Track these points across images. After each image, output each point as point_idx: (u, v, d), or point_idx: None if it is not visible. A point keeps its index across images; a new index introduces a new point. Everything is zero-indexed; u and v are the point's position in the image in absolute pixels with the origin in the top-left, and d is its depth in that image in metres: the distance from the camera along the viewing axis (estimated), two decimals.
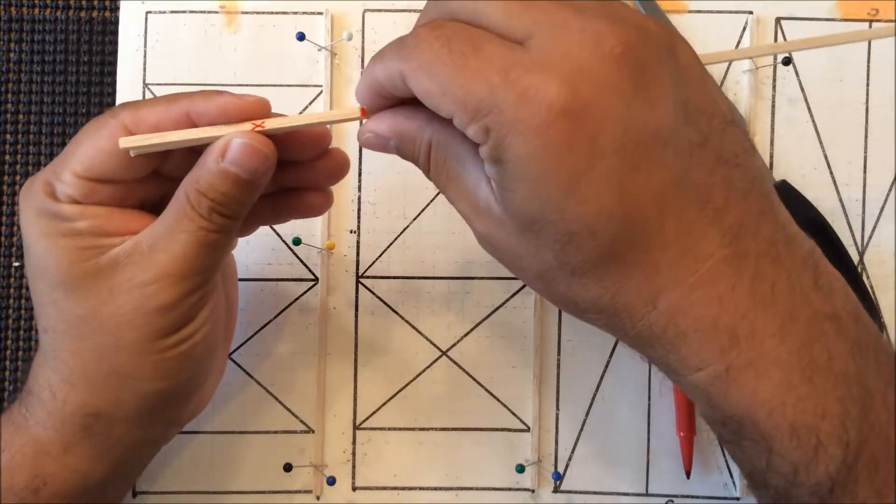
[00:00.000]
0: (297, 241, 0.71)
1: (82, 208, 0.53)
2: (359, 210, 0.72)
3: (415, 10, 0.73)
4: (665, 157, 0.44)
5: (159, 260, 0.53)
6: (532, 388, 0.71)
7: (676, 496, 0.70)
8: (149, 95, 0.72)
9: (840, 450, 0.44)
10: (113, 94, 0.73)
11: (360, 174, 0.72)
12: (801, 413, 0.44)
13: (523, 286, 0.71)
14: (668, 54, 0.46)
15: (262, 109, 0.53)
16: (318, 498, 0.71)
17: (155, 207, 0.56)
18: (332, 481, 0.71)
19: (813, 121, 0.73)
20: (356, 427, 0.71)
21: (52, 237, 0.53)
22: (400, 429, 0.71)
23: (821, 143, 0.72)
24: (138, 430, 0.57)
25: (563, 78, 0.43)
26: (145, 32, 0.73)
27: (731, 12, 0.73)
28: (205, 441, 0.71)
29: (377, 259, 0.72)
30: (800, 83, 0.73)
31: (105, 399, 0.55)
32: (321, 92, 0.72)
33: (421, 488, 0.71)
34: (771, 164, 0.72)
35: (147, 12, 0.73)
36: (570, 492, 0.71)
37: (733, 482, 0.70)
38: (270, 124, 0.52)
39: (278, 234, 0.72)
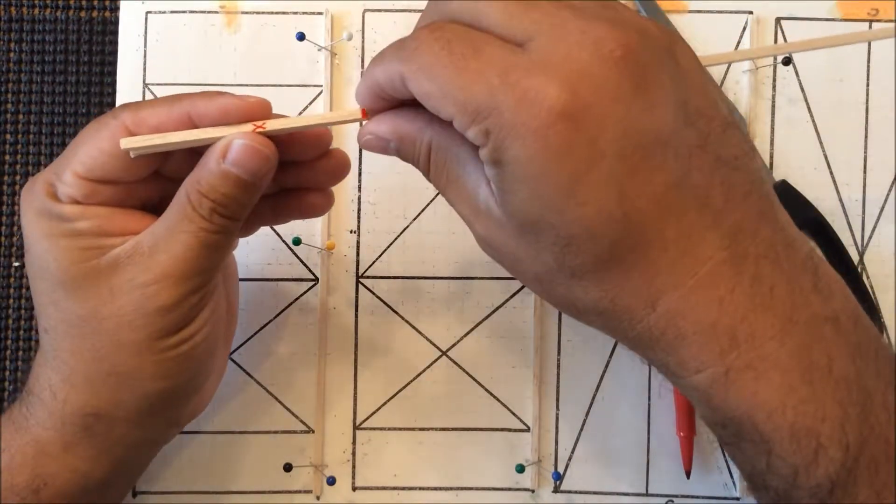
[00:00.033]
0: (297, 241, 0.71)
1: (83, 209, 0.53)
2: (359, 210, 0.72)
3: (415, 10, 0.73)
4: (665, 160, 0.44)
5: (160, 261, 0.53)
6: (532, 388, 0.71)
7: (676, 496, 0.70)
8: (149, 95, 0.72)
9: (840, 452, 0.44)
10: (113, 94, 0.73)
11: (360, 174, 0.72)
12: (801, 416, 0.44)
13: (523, 286, 0.71)
14: (668, 56, 0.45)
15: (263, 110, 0.53)
16: (318, 498, 0.71)
17: (156, 208, 0.56)
18: (332, 481, 0.71)
19: (813, 121, 0.73)
20: (356, 427, 0.71)
21: (53, 237, 0.53)
22: (400, 429, 0.72)
23: (821, 143, 0.72)
24: (138, 431, 0.57)
25: (562, 80, 0.43)
26: (145, 32, 0.73)
27: (731, 12, 0.73)
28: (205, 441, 0.71)
29: (377, 259, 0.72)
30: (800, 83, 0.73)
31: (105, 399, 0.55)
32: (321, 92, 0.73)
33: (421, 488, 0.71)
34: (771, 164, 0.72)
35: (147, 12, 0.73)
36: (570, 492, 0.71)
37: (733, 482, 0.70)
38: (271, 125, 0.52)
39: (278, 234, 0.72)
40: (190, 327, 0.55)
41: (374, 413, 0.72)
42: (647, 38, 0.45)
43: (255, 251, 0.72)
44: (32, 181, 0.55)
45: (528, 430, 0.71)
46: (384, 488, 0.71)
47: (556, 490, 0.71)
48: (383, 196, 0.72)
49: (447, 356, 0.72)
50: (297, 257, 0.72)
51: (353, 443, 0.71)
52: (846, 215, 0.72)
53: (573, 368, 0.72)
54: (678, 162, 0.44)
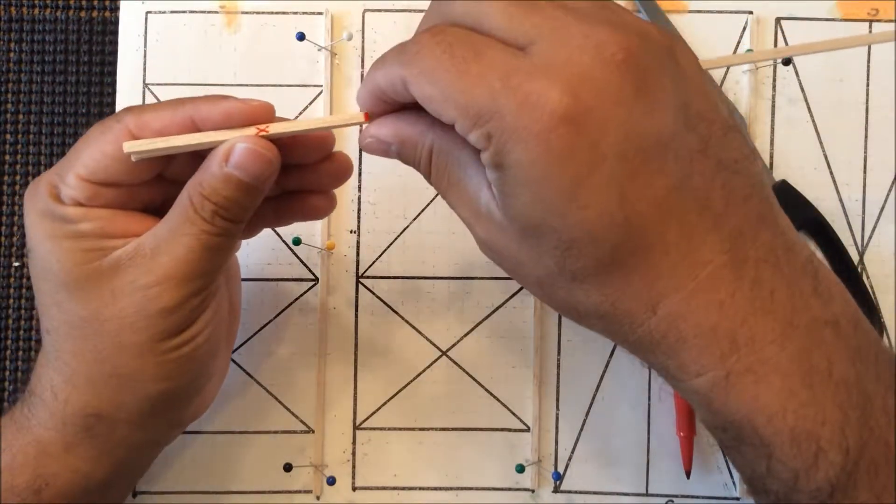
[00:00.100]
0: (297, 241, 0.71)
1: (86, 211, 0.54)
2: (359, 210, 0.72)
3: (415, 10, 0.73)
4: (666, 163, 0.44)
5: (162, 263, 0.53)
6: (532, 388, 0.71)
7: (676, 496, 0.70)
8: (149, 95, 0.72)
9: (840, 456, 0.44)
10: (113, 94, 0.73)
11: (360, 174, 0.72)
12: (802, 419, 0.44)
13: (523, 287, 0.71)
14: (670, 60, 0.45)
15: (266, 114, 0.53)
16: (318, 498, 0.71)
17: (158, 210, 0.57)
18: (332, 481, 0.71)
19: (813, 121, 0.73)
20: (356, 427, 0.71)
21: (55, 239, 0.54)
22: (400, 429, 0.72)
23: (821, 143, 0.72)
24: (140, 432, 0.58)
25: (564, 84, 0.43)
26: (145, 32, 0.73)
27: (731, 12, 0.73)
28: (205, 441, 0.71)
29: (377, 259, 0.72)
30: (800, 83, 0.73)
31: (106, 400, 0.55)
32: (321, 92, 0.72)
33: (421, 488, 0.71)
34: (771, 164, 0.72)
35: (147, 12, 0.73)
36: (570, 492, 0.71)
37: (733, 482, 0.70)
38: (274, 129, 0.52)
39: (278, 234, 0.72)
40: (191, 329, 0.55)
41: (374, 413, 0.72)
42: (648, 42, 0.45)
43: (256, 251, 0.72)
44: (36, 183, 0.55)
45: (528, 430, 0.71)
46: (384, 488, 0.71)
47: (556, 490, 0.71)
48: (383, 196, 0.72)
49: (447, 356, 0.72)
50: (297, 257, 0.72)
51: (353, 443, 0.71)
52: (846, 215, 0.72)
53: (573, 368, 0.72)
54: (679, 165, 0.44)
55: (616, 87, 0.43)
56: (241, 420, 0.71)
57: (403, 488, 0.71)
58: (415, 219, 0.72)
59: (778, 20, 0.73)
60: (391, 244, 0.72)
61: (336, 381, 0.72)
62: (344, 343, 0.72)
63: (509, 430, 0.71)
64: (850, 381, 0.45)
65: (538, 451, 0.71)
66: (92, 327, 0.54)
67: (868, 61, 0.73)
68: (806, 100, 0.73)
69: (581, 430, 0.71)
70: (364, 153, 0.72)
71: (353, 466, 0.71)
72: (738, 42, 0.73)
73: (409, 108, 0.50)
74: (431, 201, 0.72)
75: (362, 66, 0.73)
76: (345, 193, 0.71)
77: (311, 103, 0.73)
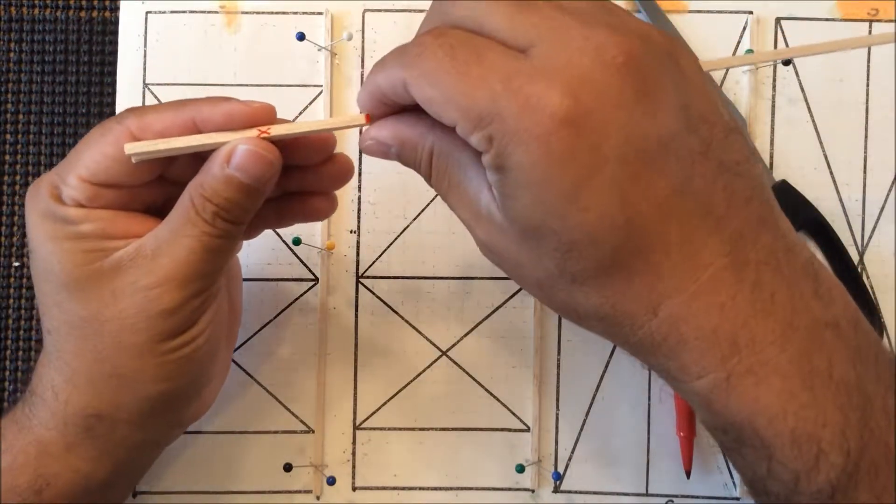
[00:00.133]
0: (297, 242, 0.71)
1: (87, 212, 0.54)
2: (359, 210, 0.72)
3: (415, 10, 0.73)
4: (667, 166, 0.44)
5: (162, 264, 0.53)
6: (532, 388, 0.71)
7: (676, 496, 0.70)
8: (149, 95, 0.72)
9: (841, 457, 0.44)
10: (113, 94, 0.73)
11: (360, 174, 0.72)
12: (802, 421, 0.44)
13: None
14: (671, 62, 0.46)
15: (267, 116, 0.53)
16: (318, 498, 0.71)
17: (159, 211, 0.57)
18: (332, 481, 0.71)
19: (813, 121, 0.73)
20: (356, 427, 0.71)
21: (56, 240, 0.54)
22: (400, 429, 0.72)
23: (821, 143, 0.72)
24: (140, 432, 0.58)
25: (565, 87, 0.43)
26: (145, 32, 0.73)
27: (731, 12, 0.73)
28: (205, 441, 0.71)
29: (377, 259, 0.72)
30: (800, 83, 0.73)
31: (107, 401, 0.55)
32: (321, 92, 0.72)
33: (421, 488, 0.71)
34: (771, 164, 0.72)
35: (147, 12, 0.73)
36: (570, 492, 0.71)
37: (733, 482, 0.70)
38: (276, 131, 0.52)
39: (278, 235, 0.72)
40: (192, 330, 0.55)
41: (374, 413, 0.72)
42: (649, 44, 0.45)
43: (256, 251, 0.72)
44: (37, 183, 0.55)
45: (528, 430, 0.71)
46: (384, 488, 0.71)
47: (556, 490, 0.71)
48: (383, 196, 0.72)
49: (447, 356, 0.72)
50: (297, 257, 0.72)
51: (353, 443, 0.71)
52: (846, 215, 0.72)
53: (573, 368, 0.72)
54: (680, 168, 0.44)
55: (617, 89, 0.43)
56: (241, 420, 0.71)
57: (403, 488, 0.71)
58: (415, 219, 0.72)
59: (778, 20, 0.73)
60: (391, 244, 0.72)
61: (336, 381, 0.72)
62: (344, 343, 0.72)
63: (509, 430, 0.71)
64: (850, 383, 0.45)
65: (538, 451, 0.71)
66: (92, 328, 0.54)
67: (868, 61, 0.73)
68: (806, 100, 0.73)
69: (581, 430, 0.71)
70: (359, 147, 0.72)
71: (353, 466, 0.71)
72: (738, 42, 0.73)
73: (410, 109, 0.50)
74: (431, 201, 0.72)
75: (362, 66, 0.73)
76: (345, 193, 0.71)
77: (311, 103, 0.73)
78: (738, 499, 0.70)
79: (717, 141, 0.45)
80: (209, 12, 0.73)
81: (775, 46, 0.73)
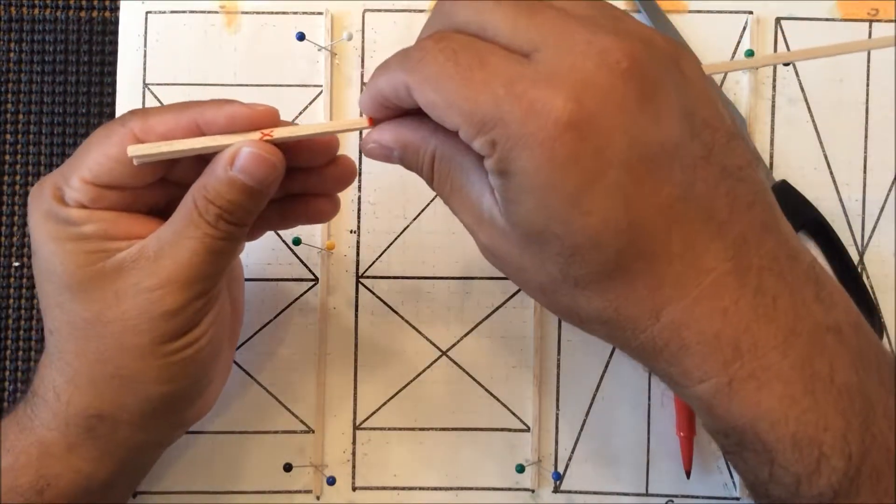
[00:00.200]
0: (297, 241, 0.71)
1: (90, 213, 0.54)
2: (359, 210, 0.72)
3: (415, 10, 0.73)
4: (670, 171, 0.44)
5: (165, 265, 0.53)
6: (532, 388, 0.71)
7: (676, 496, 0.70)
8: (149, 95, 0.72)
9: (842, 462, 0.44)
10: (113, 94, 0.73)
11: (360, 174, 0.72)
12: (804, 426, 0.44)
13: None
14: (674, 67, 0.46)
15: (270, 118, 0.53)
16: (318, 498, 0.71)
17: (162, 213, 0.57)
18: (332, 481, 0.71)
19: (813, 121, 0.73)
20: (356, 427, 0.71)
21: (59, 241, 0.54)
22: (400, 429, 0.72)
23: (821, 143, 0.72)
24: (142, 433, 0.58)
25: (569, 91, 0.43)
26: (145, 32, 0.73)
27: (731, 12, 0.73)
28: (205, 441, 0.71)
29: (377, 259, 0.72)
30: (800, 83, 0.73)
31: (108, 401, 0.56)
32: (321, 92, 0.72)
33: (421, 488, 0.71)
34: (771, 164, 0.72)
35: (147, 12, 0.73)
36: (570, 492, 0.71)
37: (733, 482, 0.70)
38: (279, 133, 0.53)
39: (278, 235, 0.72)
40: (194, 332, 0.55)
41: (374, 413, 0.72)
42: (652, 49, 0.45)
43: (255, 251, 0.72)
44: (40, 184, 0.55)
45: (528, 430, 0.71)
46: (384, 488, 0.71)
47: (556, 490, 0.71)
48: (383, 196, 0.72)
49: (447, 356, 0.72)
50: (297, 257, 0.72)
51: (353, 443, 0.71)
52: (846, 215, 0.72)
53: (573, 368, 0.72)
54: (683, 173, 0.44)
55: (620, 94, 0.43)
56: (241, 420, 0.71)
57: (403, 488, 0.71)
58: (415, 219, 0.72)
59: (778, 20, 0.73)
60: (391, 244, 0.72)
61: (336, 381, 0.72)
62: (344, 343, 0.72)
63: (509, 430, 0.71)
64: (852, 387, 0.45)
65: (538, 451, 0.71)
66: (94, 329, 0.54)
67: (868, 61, 0.73)
68: (806, 100, 0.73)
69: (581, 430, 0.71)
70: (361, 150, 0.72)
71: (353, 466, 0.71)
72: (738, 42, 0.73)
73: (412, 113, 0.50)
74: (431, 201, 0.72)
75: (362, 66, 0.73)
76: (345, 193, 0.70)
77: (311, 103, 0.73)
78: (737, 499, 0.70)
79: (719, 146, 0.45)
80: (209, 12, 0.73)
81: (775, 46, 0.73)
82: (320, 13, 0.73)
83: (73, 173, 0.54)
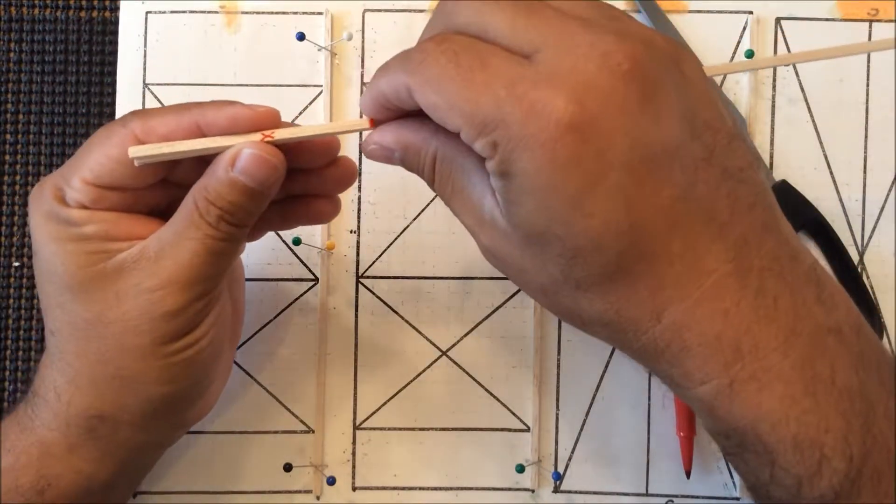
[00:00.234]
0: (297, 241, 0.71)
1: (90, 213, 0.54)
2: (359, 210, 0.72)
3: (415, 10, 0.73)
4: (671, 172, 0.44)
5: (166, 266, 0.53)
6: (532, 388, 0.71)
7: (676, 496, 0.70)
8: (149, 95, 0.72)
9: (843, 463, 0.44)
10: (113, 94, 0.73)
11: (360, 174, 0.72)
12: (805, 427, 0.44)
13: None
14: (675, 68, 0.46)
15: (272, 119, 0.53)
16: (318, 498, 0.71)
17: (163, 213, 0.57)
18: (332, 481, 0.71)
19: (813, 121, 0.73)
20: (356, 427, 0.71)
21: (60, 241, 0.54)
22: (400, 429, 0.72)
23: (821, 143, 0.72)
24: (142, 433, 0.58)
25: (570, 93, 0.43)
26: (145, 32, 0.73)
27: (731, 12, 0.73)
28: (205, 441, 0.71)
29: (377, 259, 0.72)
30: (800, 83, 0.73)
31: (109, 402, 0.56)
32: (321, 92, 0.72)
33: (421, 488, 0.71)
34: (771, 164, 0.72)
35: (147, 12, 0.73)
36: (570, 492, 0.71)
37: (733, 482, 0.70)
38: (280, 134, 0.53)
39: (278, 235, 0.72)
40: (195, 332, 0.55)
41: (374, 413, 0.72)
42: (653, 50, 0.45)
43: (255, 251, 0.72)
44: (41, 185, 0.55)
45: (528, 430, 0.71)
46: (384, 488, 0.71)
47: (556, 490, 0.71)
48: (383, 196, 0.72)
49: (447, 356, 0.72)
50: (297, 257, 0.72)
51: (353, 443, 0.71)
52: (846, 215, 0.72)
53: (573, 368, 0.72)
54: (685, 174, 0.44)
55: (621, 95, 0.43)
56: (241, 420, 0.71)
57: (403, 488, 0.71)
58: (415, 219, 0.72)
59: (778, 20, 0.73)
60: (391, 244, 0.72)
61: (336, 381, 0.72)
62: (344, 343, 0.72)
63: (509, 430, 0.71)
64: (852, 389, 0.45)
65: (538, 451, 0.71)
66: (95, 329, 0.54)
67: (868, 62, 0.73)
68: (806, 100, 0.73)
69: (581, 430, 0.71)
70: (362, 152, 0.72)
71: (353, 466, 0.71)
72: (738, 42, 0.73)
73: (413, 114, 0.50)
74: (431, 201, 0.72)
75: (362, 66, 0.73)
76: (345, 194, 0.70)
77: (311, 103, 0.73)
78: (737, 499, 0.70)
79: (720, 147, 0.45)
80: (209, 12, 0.73)
81: (775, 46, 0.73)
82: (320, 13, 0.73)
83: (74, 174, 0.54)
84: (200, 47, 0.73)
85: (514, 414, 0.71)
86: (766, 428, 0.45)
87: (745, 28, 0.73)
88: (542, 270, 0.47)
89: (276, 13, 0.73)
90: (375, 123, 0.52)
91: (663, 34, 0.47)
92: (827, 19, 0.73)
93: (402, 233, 0.72)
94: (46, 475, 0.56)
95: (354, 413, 0.72)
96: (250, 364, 0.72)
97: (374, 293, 0.72)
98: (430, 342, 0.72)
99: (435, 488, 0.71)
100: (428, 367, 0.72)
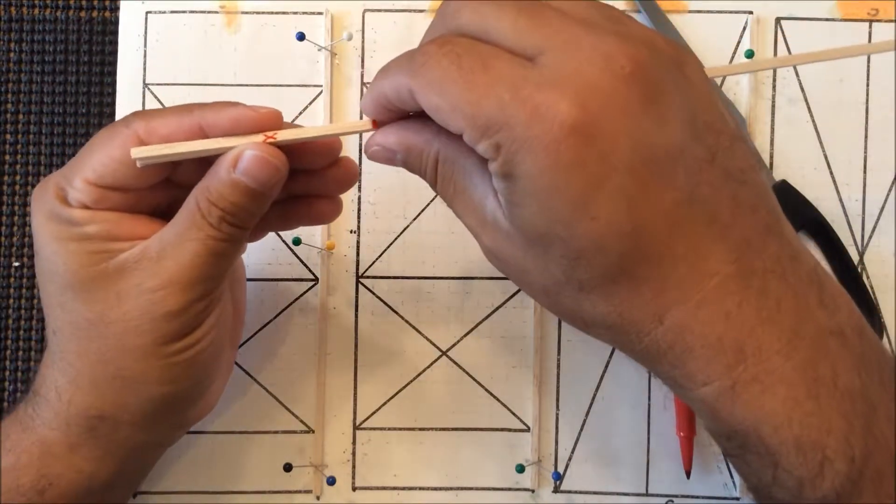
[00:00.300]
0: (297, 241, 0.71)
1: (92, 213, 0.54)
2: (359, 210, 0.72)
3: (415, 10, 0.73)
4: (674, 174, 0.44)
5: (167, 267, 0.53)
6: (532, 388, 0.71)
7: (676, 496, 0.70)
8: (149, 95, 0.72)
9: (845, 465, 0.44)
10: (113, 94, 0.73)
11: (360, 174, 0.72)
12: (807, 429, 0.45)
13: None
14: (677, 71, 0.46)
15: (274, 121, 0.53)
16: (318, 498, 0.71)
17: (165, 214, 0.57)
18: (332, 481, 0.71)
19: (813, 121, 0.73)
20: (356, 427, 0.71)
21: (62, 241, 0.54)
22: (400, 429, 0.72)
23: (821, 143, 0.72)
24: (143, 433, 0.58)
25: (573, 95, 0.43)
26: (145, 32, 0.73)
27: (731, 12, 0.73)
28: (205, 441, 0.71)
29: (377, 259, 0.72)
30: (800, 83, 0.73)
31: (110, 402, 0.56)
32: (321, 92, 0.72)
33: (421, 488, 0.71)
34: (771, 164, 0.72)
35: (147, 12, 0.73)
36: (570, 492, 0.71)
37: (733, 482, 0.70)
38: (282, 136, 0.52)
39: (278, 235, 0.72)
40: (196, 333, 0.55)
41: (374, 413, 0.72)
42: (655, 53, 0.45)
43: (256, 251, 0.71)
44: (43, 184, 0.55)
45: (528, 430, 0.71)
46: (384, 488, 0.71)
47: (556, 490, 0.71)
48: (383, 196, 0.72)
49: (447, 356, 0.72)
50: (297, 257, 0.72)
51: (353, 443, 0.71)
52: (846, 215, 0.72)
53: (573, 368, 0.72)
54: (687, 176, 0.44)
55: (624, 98, 0.43)
56: (241, 420, 0.71)
57: (403, 488, 0.71)
58: (415, 219, 0.72)
59: (778, 20, 0.73)
60: (391, 244, 0.72)
61: (336, 381, 0.72)
62: (344, 343, 0.72)
63: (509, 430, 0.71)
64: (854, 391, 0.45)
65: (538, 451, 0.71)
66: (96, 329, 0.54)
67: (868, 62, 0.73)
68: (806, 100, 0.73)
69: (581, 430, 0.71)
70: (364, 153, 0.72)
71: (353, 466, 0.71)
72: (738, 42, 0.73)
73: (414, 115, 0.50)
74: (431, 201, 0.72)
75: (362, 66, 0.73)
76: (345, 194, 0.71)
77: (311, 103, 0.73)
78: (737, 499, 0.70)
79: (722, 149, 0.45)
80: (209, 12, 0.73)
81: (775, 46, 0.73)
82: (320, 13, 0.73)
83: (77, 174, 0.54)
84: (200, 47, 0.73)
85: (514, 414, 0.71)
86: (768, 430, 0.45)
87: (745, 28, 0.73)
88: (545, 272, 0.47)
89: (276, 13, 0.73)
90: (377, 125, 0.52)
91: (665, 36, 0.47)
92: (827, 19, 0.73)
93: (402, 233, 0.72)
94: (47, 475, 0.56)
95: (354, 413, 0.72)
96: (250, 364, 0.72)
97: (374, 293, 0.72)
98: (430, 342, 0.72)
99: (435, 488, 0.71)
100: (428, 367, 0.72)
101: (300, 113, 0.72)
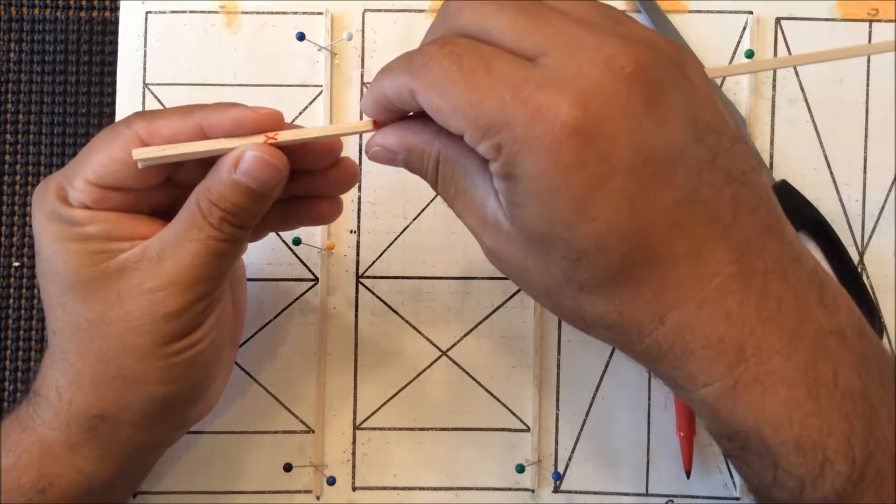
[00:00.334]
0: (297, 241, 0.71)
1: (93, 213, 0.54)
2: (359, 210, 0.72)
3: (415, 10, 0.73)
4: (675, 175, 0.44)
5: (167, 267, 0.53)
6: (532, 388, 0.71)
7: (676, 496, 0.70)
8: (149, 95, 0.72)
9: (846, 466, 0.44)
10: (113, 94, 0.73)
11: (360, 174, 0.72)
12: (808, 429, 0.45)
13: None
14: (678, 72, 0.46)
15: (275, 122, 0.53)
16: (318, 498, 0.71)
17: (165, 214, 0.57)
18: (332, 481, 0.71)
19: (813, 121, 0.73)
20: (356, 427, 0.71)
21: (62, 241, 0.54)
22: (400, 429, 0.72)
23: (821, 143, 0.72)
24: (143, 433, 0.58)
25: (575, 96, 0.43)
26: (145, 32, 0.73)
27: (731, 12, 0.73)
28: (205, 441, 0.71)
29: (377, 259, 0.72)
30: (800, 83, 0.73)
31: (110, 402, 0.56)
32: (321, 92, 0.72)
33: (421, 488, 0.71)
34: (771, 164, 0.72)
35: (147, 12, 0.73)
36: (570, 492, 0.71)
37: (733, 482, 0.70)
38: (283, 136, 0.52)
39: (278, 235, 0.72)
40: (196, 333, 0.55)
41: (374, 413, 0.72)
42: (656, 54, 0.45)
43: (256, 251, 0.71)
44: (44, 184, 0.55)
45: (528, 430, 0.71)
46: (384, 488, 0.71)
47: (556, 490, 0.71)
48: (383, 196, 0.72)
49: (447, 356, 0.72)
50: (297, 257, 0.72)
51: (353, 443, 0.71)
52: (846, 215, 0.72)
53: (573, 368, 0.72)
54: (688, 177, 0.44)
55: (625, 99, 0.43)
56: (241, 420, 0.71)
57: (403, 488, 0.71)
58: (415, 219, 0.72)
59: (778, 20, 0.73)
60: (391, 244, 0.72)
61: (336, 381, 0.72)
62: (344, 343, 0.72)
63: (509, 430, 0.71)
64: (855, 392, 0.45)
65: (538, 451, 0.71)
66: (97, 329, 0.54)
67: (868, 62, 0.73)
68: (806, 100, 0.73)
69: (581, 430, 0.71)
70: (364, 153, 0.72)
71: (353, 466, 0.71)
72: (738, 42, 0.73)
73: (415, 116, 0.50)
74: (431, 201, 0.72)
75: (362, 66, 0.73)
76: (345, 194, 0.71)
77: (311, 103, 0.73)
78: (737, 499, 0.70)
79: (723, 150, 0.45)
80: (209, 12, 0.73)
81: (775, 46, 0.73)
82: (320, 13, 0.73)
83: (78, 174, 0.54)
84: (200, 47, 0.73)
85: (514, 414, 0.71)
86: (769, 430, 0.45)
87: (745, 28, 0.73)
88: (546, 272, 0.47)
89: (276, 13, 0.73)
90: (379, 125, 0.52)
91: (665, 37, 0.47)
92: (827, 19, 0.73)
93: (402, 233, 0.72)
94: (47, 474, 0.56)
95: (354, 413, 0.72)
96: (250, 364, 0.71)
97: (374, 293, 0.72)
98: (430, 342, 0.72)
99: (435, 488, 0.71)
100: (428, 367, 0.72)
101: (300, 113, 0.72)
